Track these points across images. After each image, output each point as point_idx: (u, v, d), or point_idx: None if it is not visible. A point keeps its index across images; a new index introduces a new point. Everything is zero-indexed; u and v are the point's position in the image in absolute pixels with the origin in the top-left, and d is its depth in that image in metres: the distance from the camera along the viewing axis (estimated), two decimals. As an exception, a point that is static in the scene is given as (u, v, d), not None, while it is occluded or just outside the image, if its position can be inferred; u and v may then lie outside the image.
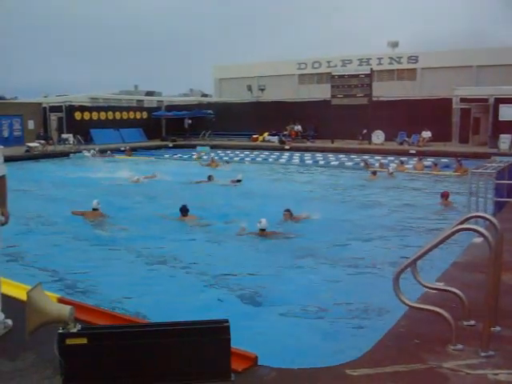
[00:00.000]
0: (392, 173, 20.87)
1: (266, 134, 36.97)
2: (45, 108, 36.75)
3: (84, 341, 3.76)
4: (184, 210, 12.33)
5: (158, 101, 50.65)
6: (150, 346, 3.78)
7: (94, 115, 37.69)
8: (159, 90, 66.74)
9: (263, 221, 10.73)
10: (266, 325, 6.49)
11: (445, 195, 14.45)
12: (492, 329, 4.59)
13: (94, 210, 12.54)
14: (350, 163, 26.20)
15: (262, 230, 10.76)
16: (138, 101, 50.25)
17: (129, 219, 12.66)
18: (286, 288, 7.89)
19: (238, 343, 4.06)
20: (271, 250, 10.29)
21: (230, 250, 10.34)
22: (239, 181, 18.46)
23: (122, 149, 32.11)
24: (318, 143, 34.21)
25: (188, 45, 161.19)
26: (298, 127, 36.25)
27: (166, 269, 9.11)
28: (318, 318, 6.75)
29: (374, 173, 20.59)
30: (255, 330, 6.05)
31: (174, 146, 36.08)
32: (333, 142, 33.69)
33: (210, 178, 18.94)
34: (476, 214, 5.73)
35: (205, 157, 27.84)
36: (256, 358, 4.19)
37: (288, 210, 11.85)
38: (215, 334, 3.78)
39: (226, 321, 3.81)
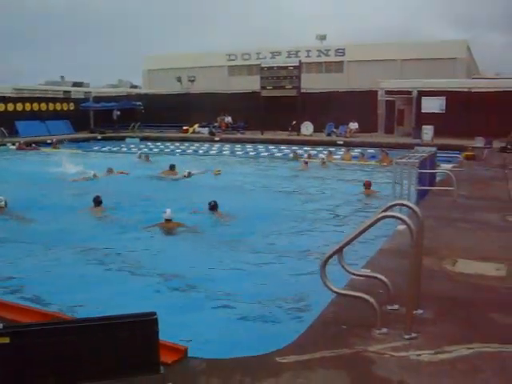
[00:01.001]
0: (325, 162, 21.29)
1: (196, 126, 36.75)
2: (-36, 99, 35.07)
3: (6, 340, 3.61)
4: (97, 201, 12.16)
5: (86, 92, 49.12)
6: (75, 342, 3.67)
7: (19, 106, 36.30)
8: (87, 81, 64.94)
9: (168, 211, 10.61)
10: (194, 317, 6.45)
11: (367, 184, 14.74)
12: (414, 312, 4.76)
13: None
14: (279, 154, 26.47)
15: (168, 220, 10.64)
16: (65, 92, 48.53)
17: (43, 213, 12.20)
18: (212, 279, 7.87)
19: (167, 336, 4.02)
20: (195, 241, 10.21)
21: (148, 242, 10.15)
22: (190, 174, 18.14)
23: (49, 141, 31.19)
24: (248, 134, 34.38)
25: (116, 34, 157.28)
26: (229, 119, 36.26)
27: (83, 262, 8.90)
28: (246, 308, 6.77)
29: (306, 162, 20.94)
30: (184, 322, 6.01)
31: (103, 138, 35.40)
32: (262, 134, 33.94)
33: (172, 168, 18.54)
34: (399, 202, 5.90)
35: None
36: (186, 350, 4.17)
37: (214, 202, 11.76)
38: (143, 327, 3.72)
39: (154, 313, 3.75)
